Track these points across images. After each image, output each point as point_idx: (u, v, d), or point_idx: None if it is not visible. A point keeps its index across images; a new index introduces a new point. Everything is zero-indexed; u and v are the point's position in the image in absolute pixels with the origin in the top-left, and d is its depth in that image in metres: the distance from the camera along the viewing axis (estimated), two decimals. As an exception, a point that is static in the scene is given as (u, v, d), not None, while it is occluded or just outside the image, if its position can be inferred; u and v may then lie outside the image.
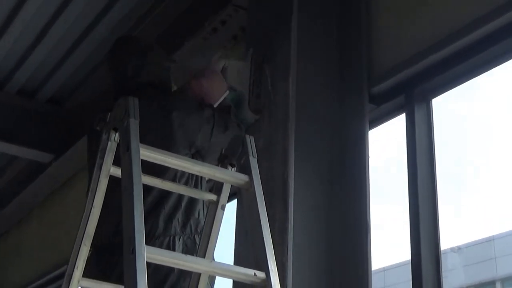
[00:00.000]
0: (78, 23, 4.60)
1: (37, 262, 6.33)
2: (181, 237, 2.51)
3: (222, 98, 2.93)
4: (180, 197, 2.53)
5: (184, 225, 2.53)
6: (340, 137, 3.06)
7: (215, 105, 2.90)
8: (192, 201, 2.57)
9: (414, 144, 2.93)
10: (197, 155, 2.67)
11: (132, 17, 4.51)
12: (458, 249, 17.61)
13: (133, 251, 1.77)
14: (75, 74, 5.22)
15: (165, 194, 2.49)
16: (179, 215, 2.53)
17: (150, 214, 2.46)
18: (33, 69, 5.18)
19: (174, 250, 2.46)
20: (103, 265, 2.42)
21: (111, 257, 2.42)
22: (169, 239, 2.48)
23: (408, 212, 2.87)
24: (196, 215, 2.59)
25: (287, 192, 2.76)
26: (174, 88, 2.96)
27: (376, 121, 3.15)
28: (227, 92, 2.96)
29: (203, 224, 2.48)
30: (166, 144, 2.45)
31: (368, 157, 3.01)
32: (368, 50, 3.15)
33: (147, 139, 2.06)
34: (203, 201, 2.58)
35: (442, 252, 2.86)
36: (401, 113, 3.05)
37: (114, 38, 4.69)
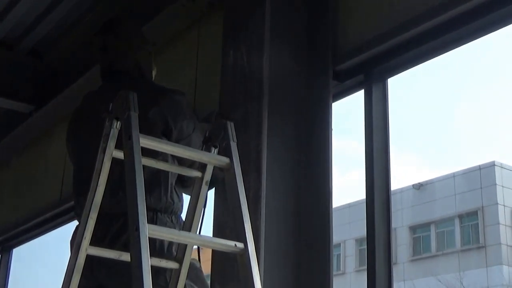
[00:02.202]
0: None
1: (13, 210, 6.46)
2: (164, 214, 2.84)
3: None
4: (167, 180, 2.86)
5: (168, 204, 2.86)
6: (307, 110, 3.42)
7: None
8: (176, 184, 2.92)
9: (371, 117, 3.32)
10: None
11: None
12: (401, 192, 19.65)
13: (137, 229, 2.13)
14: (56, 27, 5.25)
15: (155, 175, 2.81)
16: (164, 195, 2.85)
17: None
18: (15, 21, 5.19)
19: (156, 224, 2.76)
20: (105, 231, 2.76)
21: (112, 225, 2.77)
22: (153, 214, 2.78)
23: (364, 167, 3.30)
24: (176, 199, 2.92)
25: (260, 163, 3.13)
26: (155, 71, 3.25)
27: (339, 95, 3.53)
28: None
29: (178, 207, 2.87)
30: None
31: (331, 128, 3.40)
32: (334, 32, 3.48)
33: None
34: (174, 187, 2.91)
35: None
36: (361, 89, 3.43)
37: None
